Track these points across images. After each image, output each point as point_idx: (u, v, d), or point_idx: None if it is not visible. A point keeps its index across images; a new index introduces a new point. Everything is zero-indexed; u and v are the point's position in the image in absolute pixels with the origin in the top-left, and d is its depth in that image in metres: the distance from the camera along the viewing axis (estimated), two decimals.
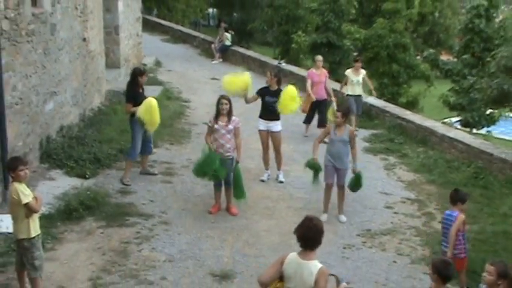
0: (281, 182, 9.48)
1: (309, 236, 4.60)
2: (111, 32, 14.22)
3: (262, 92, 9.40)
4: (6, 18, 7.70)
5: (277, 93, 9.26)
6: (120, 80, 14.39)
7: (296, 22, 23.42)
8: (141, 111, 8.69)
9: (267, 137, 9.45)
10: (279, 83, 9.41)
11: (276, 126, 9.38)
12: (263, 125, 9.38)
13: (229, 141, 8.05)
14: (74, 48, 10.64)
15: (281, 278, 4.61)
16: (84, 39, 11.25)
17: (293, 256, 4.61)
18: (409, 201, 9.01)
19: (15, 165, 5.72)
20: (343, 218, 8.25)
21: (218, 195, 8.31)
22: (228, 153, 8.07)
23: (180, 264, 6.82)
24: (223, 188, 8.29)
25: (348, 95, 12.28)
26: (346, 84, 12.41)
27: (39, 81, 8.93)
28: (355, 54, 22.54)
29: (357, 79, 12.20)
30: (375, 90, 13.68)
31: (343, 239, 7.70)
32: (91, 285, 6.25)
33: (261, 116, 9.44)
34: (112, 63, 14.31)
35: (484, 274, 4.79)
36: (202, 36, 24.07)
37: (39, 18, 8.88)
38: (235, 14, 34.10)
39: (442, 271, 4.65)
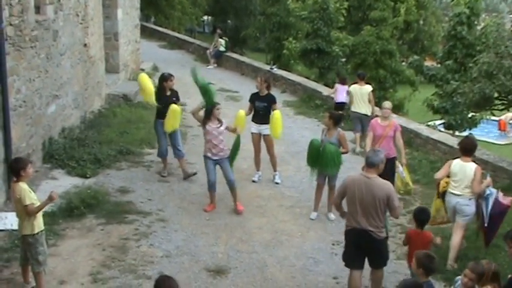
0: (277, 183, 9.64)
1: (468, 147, 7.02)
2: (110, 38, 14.34)
3: (253, 98, 9.60)
4: (11, 24, 7.84)
5: (266, 98, 9.45)
6: (119, 84, 14.65)
7: (287, 29, 23.82)
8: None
9: (259, 139, 9.62)
10: (268, 88, 9.58)
11: (267, 129, 9.49)
12: (255, 128, 9.55)
13: (222, 143, 8.28)
14: (75, 54, 10.78)
15: (447, 176, 7.01)
16: (85, 45, 11.40)
17: (457, 161, 6.99)
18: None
19: (25, 164, 5.84)
20: (332, 215, 8.43)
21: (213, 195, 8.52)
22: (222, 153, 8.30)
23: (177, 259, 6.96)
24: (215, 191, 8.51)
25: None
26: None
27: (42, 85, 9.06)
28: (343, 60, 22.93)
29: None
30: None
31: (332, 236, 7.87)
32: (91, 279, 6.35)
33: (253, 120, 9.62)
34: (112, 68, 14.46)
35: (465, 280, 4.89)
36: (197, 42, 24.39)
37: (42, 24, 9.03)
38: (229, 22, 34.52)
39: (427, 265, 4.82)
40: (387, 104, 9.11)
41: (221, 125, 8.29)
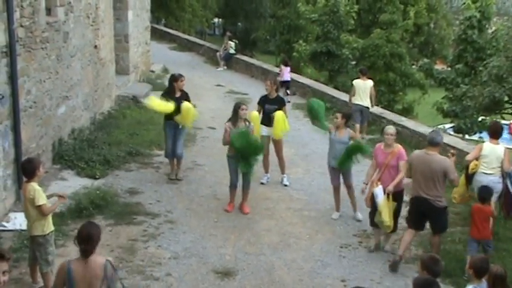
0: (285, 185, 9.63)
1: (497, 130, 7.89)
2: (121, 40, 14.44)
3: (262, 101, 9.59)
4: (22, 26, 7.89)
5: (276, 101, 9.46)
6: (129, 86, 14.72)
7: (297, 32, 23.87)
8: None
9: (268, 142, 9.60)
10: (277, 90, 9.64)
11: None
12: (265, 130, 9.50)
13: None
14: (86, 55, 10.84)
15: (476, 158, 7.72)
16: (96, 47, 11.46)
17: (487, 144, 7.79)
18: (403, 204, 8.88)
19: (38, 164, 5.90)
20: (359, 215, 8.40)
21: (233, 194, 8.54)
22: None
23: (185, 261, 6.97)
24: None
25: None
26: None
27: (52, 86, 9.10)
28: (353, 63, 22.95)
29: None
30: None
31: (340, 239, 7.85)
32: None
33: (262, 122, 9.53)
34: (122, 70, 14.53)
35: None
36: (207, 44, 24.45)
37: (53, 26, 9.07)
38: (239, 24, 34.59)
39: (431, 267, 4.74)
40: (390, 129, 7.61)
41: (248, 127, 8.34)
